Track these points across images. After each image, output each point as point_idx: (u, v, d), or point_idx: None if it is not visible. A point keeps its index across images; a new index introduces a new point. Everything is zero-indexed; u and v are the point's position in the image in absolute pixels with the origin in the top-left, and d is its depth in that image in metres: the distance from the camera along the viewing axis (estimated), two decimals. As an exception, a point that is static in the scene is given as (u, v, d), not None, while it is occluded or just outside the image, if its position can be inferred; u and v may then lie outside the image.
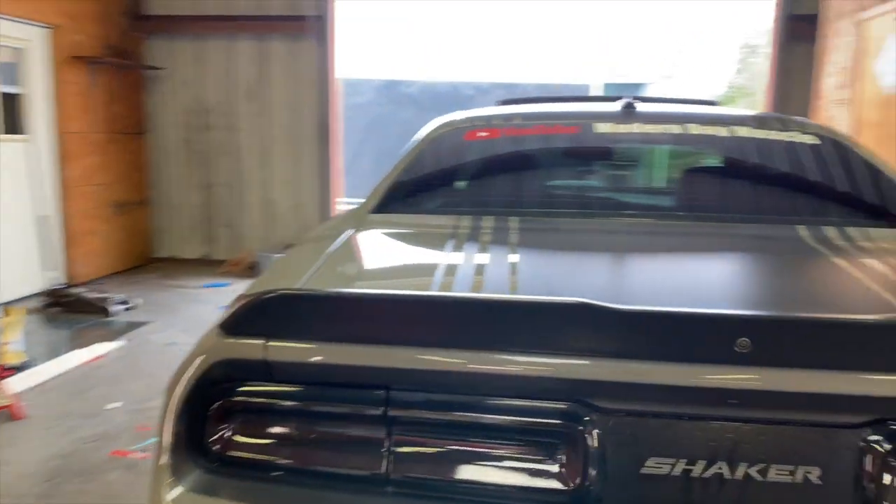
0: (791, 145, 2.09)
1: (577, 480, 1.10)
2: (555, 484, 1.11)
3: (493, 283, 1.36)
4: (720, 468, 1.07)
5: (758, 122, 2.20)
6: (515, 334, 1.11)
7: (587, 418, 1.10)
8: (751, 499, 1.06)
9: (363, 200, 2.08)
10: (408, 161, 2.14)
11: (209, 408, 1.20)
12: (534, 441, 1.13)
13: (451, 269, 1.42)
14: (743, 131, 2.15)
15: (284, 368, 1.17)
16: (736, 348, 1.03)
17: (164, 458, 1.20)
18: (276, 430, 1.20)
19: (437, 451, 1.15)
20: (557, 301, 1.09)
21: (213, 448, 1.21)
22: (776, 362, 1.05)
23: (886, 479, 1.04)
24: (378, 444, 1.15)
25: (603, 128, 2.19)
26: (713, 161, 2.09)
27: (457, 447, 1.14)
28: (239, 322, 1.19)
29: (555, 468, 1.11)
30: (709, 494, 1.07)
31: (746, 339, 1.02)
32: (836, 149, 2.08)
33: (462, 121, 2.30)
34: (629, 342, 1.09)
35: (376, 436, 1.15)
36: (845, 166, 2.02)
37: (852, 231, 1.74)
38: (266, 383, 1.20)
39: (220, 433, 1.21)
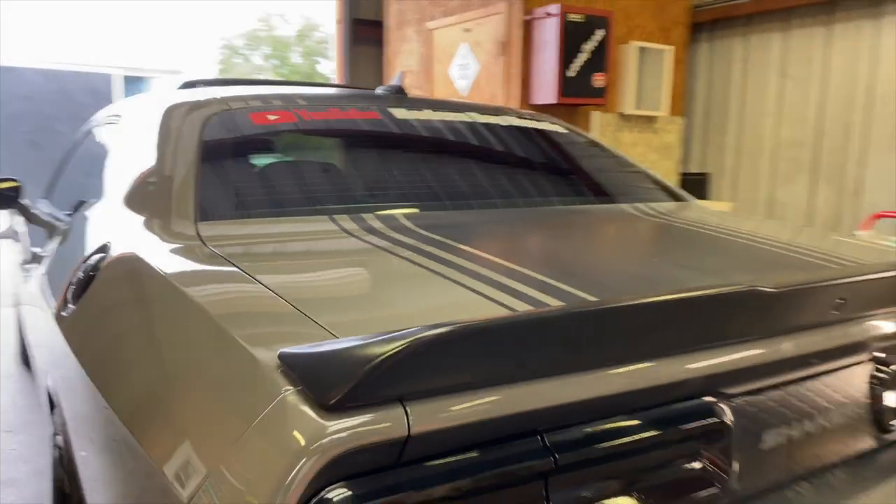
0: (554, 133, 2.30)
1: (724, 475, 1.04)
2: (707, 485, 1.02)
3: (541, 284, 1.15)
4: (808, 424, 1.15)
5: (517, 114, 2.36)
6: (687, 331, 0.97)
7: (721, 406, 1.04)
8: (818, 445, 1.17)
9: (150, 211, 1.51)
10: (193, 152, 1.62)
11: None
12: (687, 445, 1.01)
13: (475, 275, 1.16)
14: (514, 121, 2.27)
15: (427, 440, 0.80)
16: (833, 310, 1.12)
17: None
18: None
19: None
20: (729, 290, 0.99)
21: None
22: (861, 315, 1.19)
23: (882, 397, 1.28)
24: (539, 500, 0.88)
25: (401, 113, 2.04)
26: (506, 148, 2.15)
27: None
28: (366, 387, 0.75)
29: (705, 467, 1.02)
30: (810, 452, 1.15)
31: (842, 300, 1.12)
32: (582, 136, 2.38)
33: (226, 101, 1.85)
34: (777, 321, 1.07)
35: (538, 489, 0.88)
36: (602, 151, 2.33)
37: (653, 206, 2.03)
38: (399, 467, 0.80)
39: None
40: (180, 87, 2.52)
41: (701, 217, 1.93)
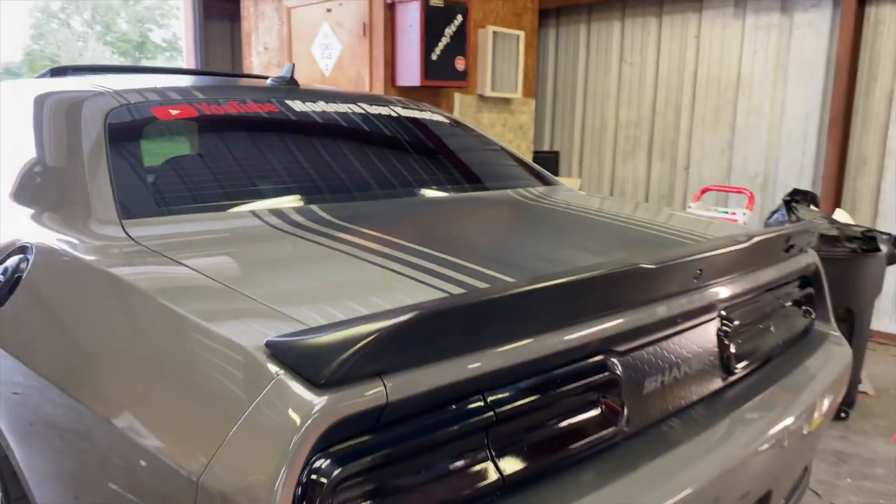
0: (443, 125, 2.48)
1: (617, 417, 1.28)
2: (606, 426, 1.26)
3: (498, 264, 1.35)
4: (676, 371, 1.43)
5: (402, 104, 2.50)
6: (582, 304, 1.19)
7: (613, 361, 1.29)
8: (688, 385, 1.46)
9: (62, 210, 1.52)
10: (102, 148, 1.63)
11: (322, 491, 0.88)
12: (589, 394, 1.24)
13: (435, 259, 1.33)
14: (403, 111, 2.42)
15: (400, 405, 0.96)
16: (694, 279, 1.39)
17: None
18: (400, 483, 0.97)
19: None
20: (621, 269, 1.22)
21: None
22: (711, 283, 1.47)
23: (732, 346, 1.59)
24: (482, 448, 1.07)
25: (298, 105, 2.12)
26: (402, 139, 2.29)
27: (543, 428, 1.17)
28: (351, 366, 0.89)
29: (603, 412, 1.26)
30: (677, 393, 1.43)
31: (700, 271, 1.39)
32: (467, 128, 2.58)
33: (123, 95, 1.85)
34: (654, 290, 1.31)
35: (481, 439, 1.07)
36: (479, 138, 2.55)
37: (531, 190, 2.27)
38: (379, 432, 0.96)
39: None
40: (50, 75, 2.43)
41: (572, 200, 2.20)
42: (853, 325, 3.39)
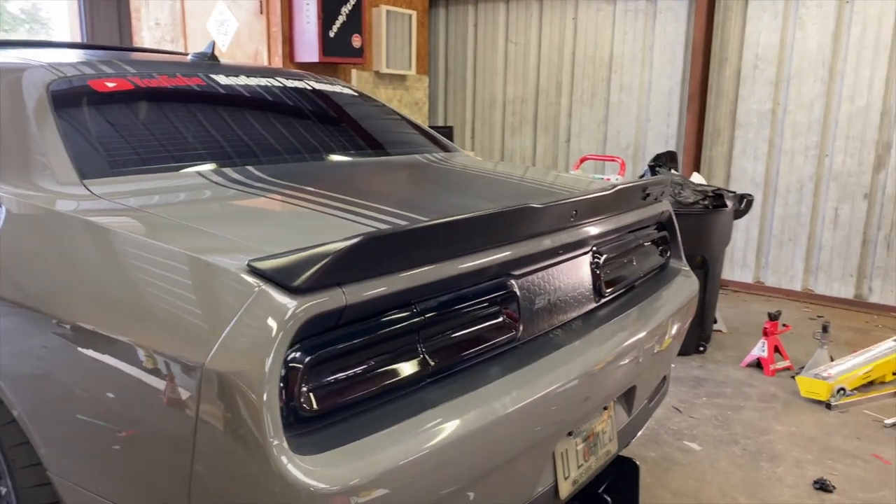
0: (351, 96, 2.75)
1: (515, 325, 1.64)
2: (507, 331, 1.62)
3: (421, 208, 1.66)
4: (559, 293, 1.81)
5: (315, 78, 2.75)
6: (484, 236, 1.53)
7: (512, 282, 1.64)
8: (564, 306, 1.84)
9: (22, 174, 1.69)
10: (50, 117, 1.81)
11: (299, 373, 1.18)
12: (493, 307, 1.59)
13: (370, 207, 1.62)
14: (315, 84, 2.67)
15: (355, 309, 1.26)
16: (570, 218, 1.76)
17: (276, 441, 1.13)
18: (355, 368, 1.28)
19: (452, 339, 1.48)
20: (515, 207, 1.56)
21: (312, 409, 1.20)
22: (585, 222, 1.84)
23: (602, 275, 1.98)
24: (414, 343, 1.40)
25: (223, 80, 2.33)
26: (315, 108, 2.54)
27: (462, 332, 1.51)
28: (318, 277, 1.18)
29: (504, 320, 1.61)
30: (560, 310, 1.80)
31: (575, 211, 1.76)
32: (369, 98, 2.86)
33: (57, 68, 2.01)
34: (540, 226, 1.67)
35: (413, 338, 1.40)
36: (386, 110, 2.84)
37: (436, 155, 2.59)
38: (338, 329, 1.26)
39: (315, 393, 1.20)
40: None
41: (470, 163, 2.55)
42: (707, 271, 3.96)
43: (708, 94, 5.62)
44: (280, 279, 1.19)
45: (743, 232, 5.55)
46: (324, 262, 1.18)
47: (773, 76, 5.31)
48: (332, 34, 5.38)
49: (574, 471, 1.78)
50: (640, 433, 2.36)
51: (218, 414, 1.17)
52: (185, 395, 1.22)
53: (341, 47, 5.50)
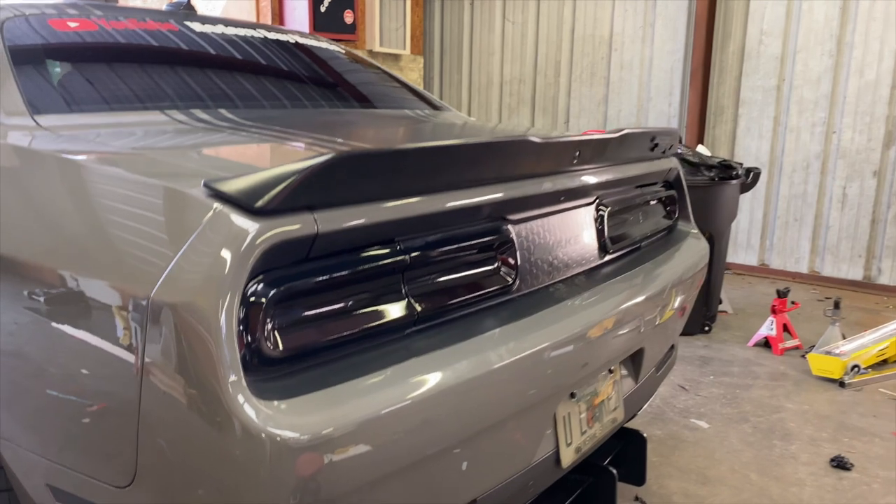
0: (339, 53, 2.59)
1: (511, 273, 1.47)
2: (502, 280, 1.45)
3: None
4: (561, 245, 1.64)
5: (299, 34, 2.59)
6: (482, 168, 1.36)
7: (508, 228, 1.47)
8: (569, 249, 1.68)
9: None
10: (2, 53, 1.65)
11: (262, 308, 1.01)
12: (487, 252, 1.43)
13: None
14: (299, 38, 2.50)
15: (329, 239, 1.09)
16: (574, 160, 1.59)
17: (233, 378, 0.96)
18: (328, 307, 1.11)
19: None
20: (512, 138, 1.39)
21: (278, 350, 1.03)
22: (589, 165, 1.67)
23: (606, 229, 1.82)
24: (398, 286, 1.23)
25: (198, 27, 2.17)
26: (294, 61, 2.38)
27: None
28: (284, 197, 1.01)
29: (499, 267, 1.44)
30: (562, 263, 1.64)
31: (578, 152, 1.60)
32: (354, 57, 2.70)
33: (17, 7, 1.86)
34: (540, 164, 1.50)
35: (397, 281, 1.23)
36: (373, 67, 2.68)
37: (426, 112, 2.43)
38: (310, 262, 1.09)
39: (281, 332, 1.04)
40: None
41: (460, 120, 2.39)
42: (713, 247, 3.80)
43: (711, 71, 5.45)
44: (240, 199, 1.02)
45: (747, 213, 5.39)
46: (291, 180, 1.01)
47: (778, 51, 5.14)
48: (322, 8, 5.21)
49: (577, 438, 1.62)
50: (646, 405, 2.20)
51: (165, 354, 1.01)
52: (128, 333, 1.05)
53: (333, 22, 5.33)
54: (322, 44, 2.60)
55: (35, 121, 1.48)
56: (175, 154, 1.31)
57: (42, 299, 1.18)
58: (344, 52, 2.67)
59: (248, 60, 2.18)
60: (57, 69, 1.72)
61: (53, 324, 1.18)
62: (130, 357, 1.04)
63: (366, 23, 5.84)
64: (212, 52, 2.10)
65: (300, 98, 2.10)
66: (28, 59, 1.68)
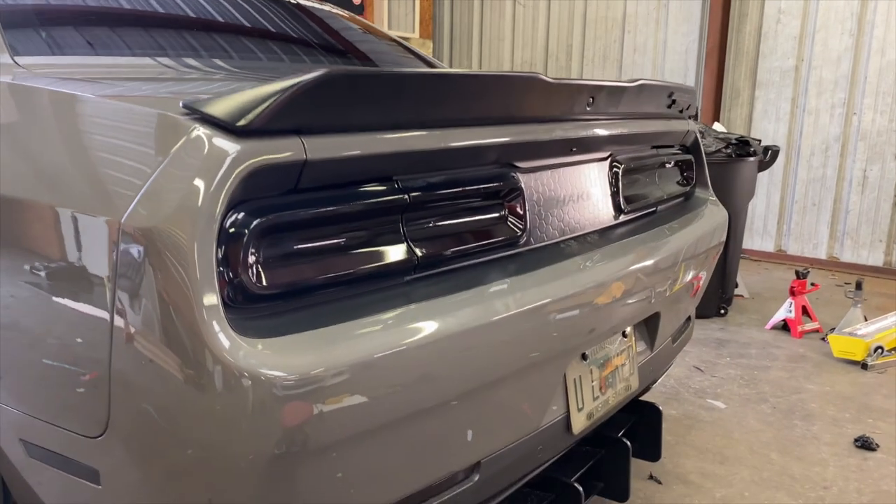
0: (343, 16, 2.50)
1: (520, 223, 1.37)
2: (510, 230, 1.35)
3: None
4: (573, 199, 1.55)
5: None
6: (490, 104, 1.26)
7: (515, 175, 1.38)
8: (579, 205, 1.58)
9: None
10: None
11: (244, 237, 0.92)
12: (494, 199, 1.33)
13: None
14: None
15: (319, 168, 1.00)
16: (588, 107, 1.50)
17: (210, 310, 0.87)
18: (319, 243, 1.02)
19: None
20: (521, 74, 1.29)
21: (262, 286, 0.94)
22: (604, 115, 1.57)
23: (621, 188, 1.72)
24: (396, 227, 1.14)
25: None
26: (293, 17, 2.29)
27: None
28: (268, 117, 0.92)
29: (506, 216, 1.35)
30: (574, 219, 1.54)
31: (592, 97, 1.50)
32: (358, 21, 2.62)
33: None
34: (551, 107, 1.40)
35: (396, 222, 1.13)
36: (374, 29, 2.61)
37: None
38: (300, 193, 1.00)
39: (267, 266, 0.95)
40: None
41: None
42: (729, 227, 3.68)
43: (727, 53, 5.32)
44: (221, 118, 0.93)
45: (763, 198, 5.26)
46: (278, 97, 0.92)
47: (796, 30, 5.01)
48: (330, -12, 5.13)
49: (589, 403, 1.52)
50: (662, 377, 2.10)
51: (137, 286, 0.92)
52: (97, 264, 0.97)
53: (340, 4, 5.23)
54: (327, 7, 2.52)
55: (15, 61, 1.40)
56: (155, 84, 1.23)
57: (11, 235, 1.10)
58: (349, 16, 2.59)
59: (249, 15, 2.10)
60: (44, 15, 1.64)
61: (24, 264, 1.09)
62: (101, 291, 0.96)
63: (374, 4, 5.75)
64: (210, 5, 2.02)
65: (299, 54, 2.01)
66: (13, 4, 1.61)
